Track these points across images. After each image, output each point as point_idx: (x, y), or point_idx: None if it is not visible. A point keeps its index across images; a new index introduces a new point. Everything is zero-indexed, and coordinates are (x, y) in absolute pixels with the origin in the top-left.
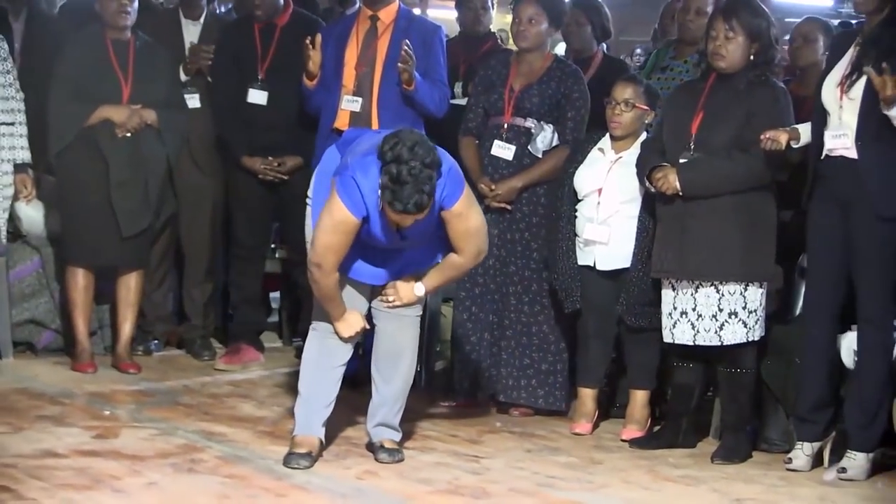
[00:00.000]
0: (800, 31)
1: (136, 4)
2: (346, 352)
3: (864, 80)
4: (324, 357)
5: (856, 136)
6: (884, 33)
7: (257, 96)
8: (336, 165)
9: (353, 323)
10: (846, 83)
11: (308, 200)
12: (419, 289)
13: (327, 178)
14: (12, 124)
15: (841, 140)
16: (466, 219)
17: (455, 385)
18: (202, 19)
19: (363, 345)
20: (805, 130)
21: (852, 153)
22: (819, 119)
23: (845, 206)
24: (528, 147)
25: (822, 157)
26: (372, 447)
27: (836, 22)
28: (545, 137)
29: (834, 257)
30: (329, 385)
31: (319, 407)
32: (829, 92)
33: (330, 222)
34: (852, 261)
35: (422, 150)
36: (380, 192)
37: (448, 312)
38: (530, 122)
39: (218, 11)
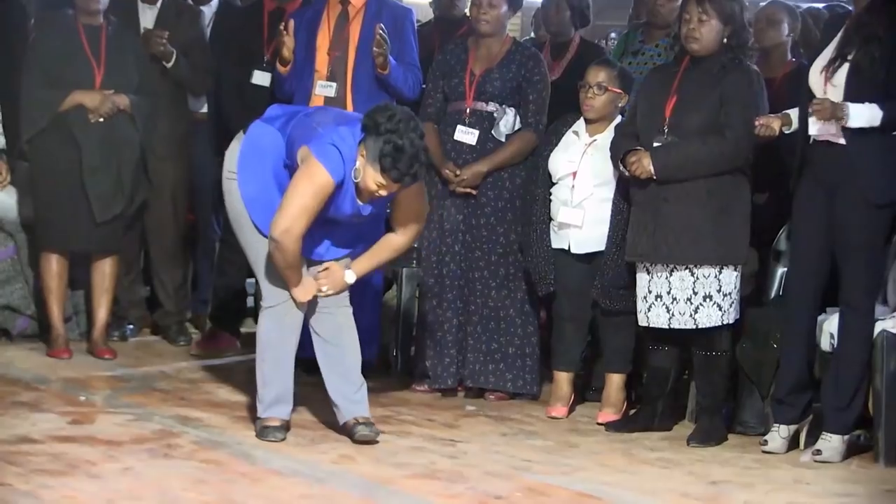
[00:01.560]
0: (764, 12)
1: None
2: (299, 330)
3: (846, 66)
4: (284, 336)
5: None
6: (869, 19)
7: (261, 77)
8: (268, 139)
9: (308, 288)
10: (829, 69)
11: (230, 175)
12: (350, 276)
13: (257, 154)
14: None
15: (825, 126)
16: (421, 198)
17: (428, 371)
18: (159, 3)
19: None
20: (795, 116)
21: (837, 139)
22: (807, 104)
23: (831, 191)
24: (492, 131)
25: (810, 142)
26: (346, 427)
27: (821, 5)
28: (508, 121)
29: (817, 241)
30: (290, 366)
31: (284, 389)
32: (815, 78)
33: (310, 186)
34: (836, 246)
35: (415, 123)
36: (372, 160)
37: None
38: (492, 107)
39: None
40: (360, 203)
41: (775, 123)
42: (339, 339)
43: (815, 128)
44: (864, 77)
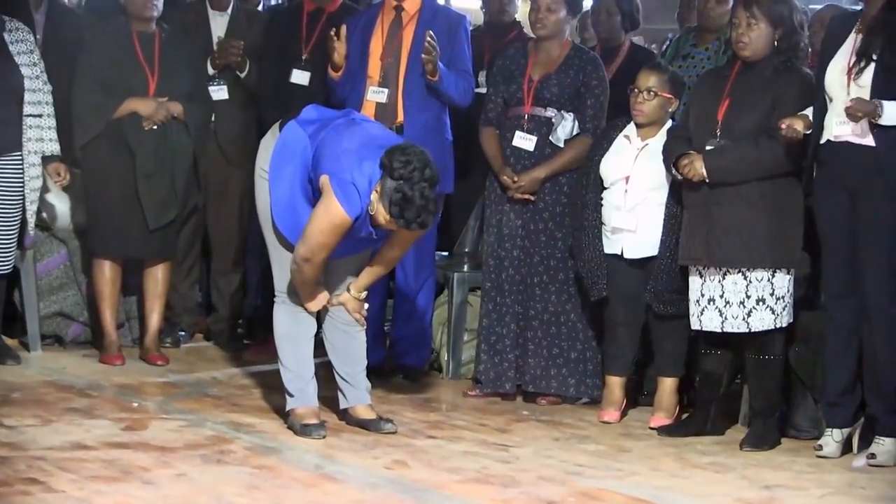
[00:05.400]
0: (818, 17)
1: None
2: (315, 324)
3: (872, 67)
4: (300, 329)
5: (870, 123)
6: (889, 19)
7: (300, 77)
8: (299, 145)
9: (321, 298)
10: (854, 70)
11: (262, 173)
12: (359, 295)
13: (287, 157)
14: (40, 116)
15: (852, 127)
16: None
17: (481, 375)
18: (229, 11)
19: (390, 335)
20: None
21: (862, 140)
22: (822, 104)
23: (852, 193)
24: (550, 137)
25: (824, 142)
26: (366, 423)
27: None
28: (566, 126)
29: (845, 241)
30: (310, 357)
31: (309, 379)
32: (835, 78)
33: (329, 225)
34: (860, 246)
35: (430, 171)
36: (385, 201)
37: (474, 301)
38: (551, 112)
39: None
40: (372, 229)
41: (799, 125)
42: (350, 350)
43: (841, 129)
44: (893, 76)
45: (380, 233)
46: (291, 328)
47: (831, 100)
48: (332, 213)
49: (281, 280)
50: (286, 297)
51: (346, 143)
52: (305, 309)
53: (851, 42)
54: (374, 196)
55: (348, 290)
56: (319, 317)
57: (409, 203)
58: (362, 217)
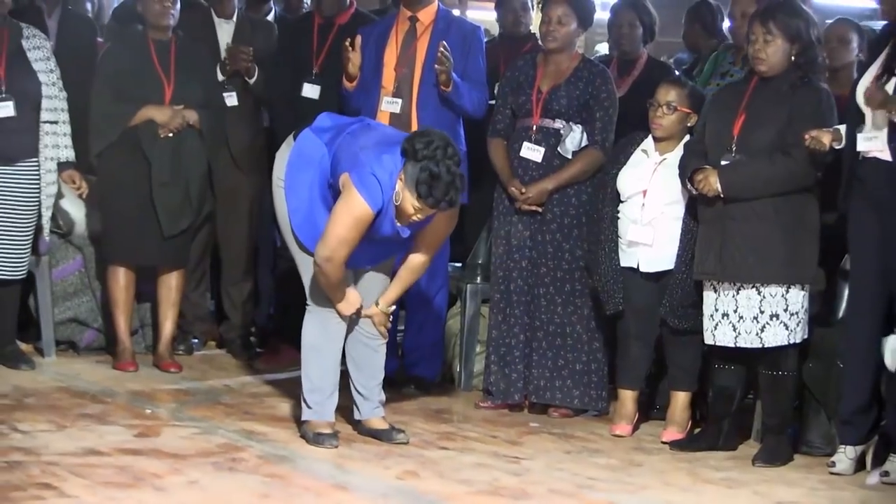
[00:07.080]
0: (834, 32)
1: (178, 6)
2: (343, 335)
3: (894, 81)
4: (327, 342)
5: (888, 137)
6: None
7: (311, 90)
8: (316, 153)
9: (353, 301)
10: (877, 84)
11: (279, 182)
12: (388, 310)
13: (304, 165)
14: (56, 123)
15: (873, 142)
16: (451, 220)
17: (491, 386)
18: (234, 19)
19: (402, 345)
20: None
21: (885, 155)
22: (854, 120)
23: (880, 208)
24: (558, 148)
25: (859, 159)
26: (378, 433)
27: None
28: (574, 138)
29: (874, 258)
30: (335, 370)
31: (330, 393)
32: (863, 93)
33: (349, 218)
34: (889, 263)
35: (453, 150)
36: (410, 186)
37: (487, 313)
38: (559, 124)
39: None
40: (398, 225)
41: (825, 138)
42: (370, 363)
43: (866, 143)
44: None
45: (405, 230)
46: (319, 339)
47: (862, 114)
48: (352, 206)
49: (311, 289)
50: (315, 307)
51: (363, 142)
52: (338, 314)
53: (883, 56)
54: (398, 185)
55: (377, 303)
56: (345, 338)
57: (437, 180)
58: (384, 211)
